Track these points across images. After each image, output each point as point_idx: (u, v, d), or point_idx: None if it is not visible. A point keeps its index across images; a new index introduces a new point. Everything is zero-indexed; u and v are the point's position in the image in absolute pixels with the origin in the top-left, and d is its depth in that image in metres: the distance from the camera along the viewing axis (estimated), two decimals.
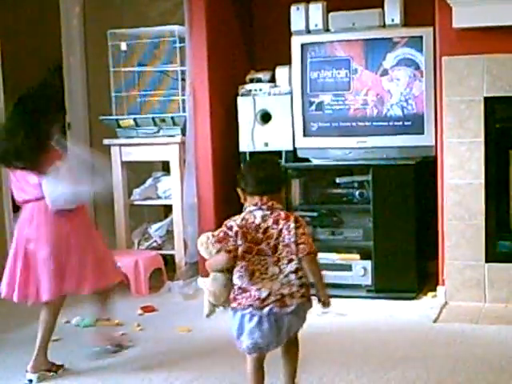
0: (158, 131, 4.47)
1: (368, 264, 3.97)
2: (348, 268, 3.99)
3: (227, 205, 4.20)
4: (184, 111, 4.35)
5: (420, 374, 2.86)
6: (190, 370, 3.00)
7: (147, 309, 3.89)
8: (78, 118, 5.17)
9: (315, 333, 3.06)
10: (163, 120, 4.43)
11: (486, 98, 3.65)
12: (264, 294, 2.40)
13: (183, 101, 4.37)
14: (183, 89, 4.37)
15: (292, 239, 2.43)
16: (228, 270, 2.49)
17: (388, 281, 3.95)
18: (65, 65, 5.21)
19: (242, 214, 2.49)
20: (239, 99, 4.27)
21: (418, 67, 3.91)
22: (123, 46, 4.60)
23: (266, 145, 4.21)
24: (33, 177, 2.89)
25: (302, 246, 2.42)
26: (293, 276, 2.43)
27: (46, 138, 2.92)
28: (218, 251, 2.46)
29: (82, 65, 5.16)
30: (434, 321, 3.54)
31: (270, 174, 2.54)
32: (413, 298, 3.89)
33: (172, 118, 4.40)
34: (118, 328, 3.56)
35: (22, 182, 2.94)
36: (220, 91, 4.31)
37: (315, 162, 4.16)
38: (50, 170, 2.86)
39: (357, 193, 4.10)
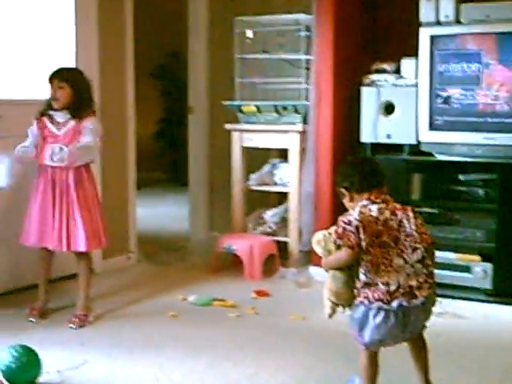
0: (279, 118, 4.48)
1: (489, 267, 3.83)
2: (465, 269, 3.86)
3: None
4: (307, 100, 4.34)
5: None
6: (304, 360, 2.99)
7: (261, 293, 3.92)
8: (200, 102, 5.27)
9: (433, 333, 2.98)
10: (285, 108, 4.44)
11: None
12: (393, 288, 2.33)
13: (306, 89, 4.36)
14: (307, 77, 4.35)
15: (413, 227, 2.40)
16: (348, 267, 2.43)
17: (511, 286, 3.79)
18: (190, 51, 5.32)
19: (357, 209, 2.44)
20: (363, 89, 4.21)
21: None
22: (249, 33, 4.63)
23: (389, 137, 4.12)
24: None
25: (425, 236, 2.41)
26: (419, 265, 2.38)
27: None
28: (339, 247, 2.41)
29: (207, 51, 5.24)
30: None
31: (374, 168, 2.55)
32: None
33: (294, 105, 4.40)
34: (233, 309, 3.63)
35: None
36: (344, 81, 4.26)
37: (439, 157, 4.04)
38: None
39: (481, 191, 3.95)
